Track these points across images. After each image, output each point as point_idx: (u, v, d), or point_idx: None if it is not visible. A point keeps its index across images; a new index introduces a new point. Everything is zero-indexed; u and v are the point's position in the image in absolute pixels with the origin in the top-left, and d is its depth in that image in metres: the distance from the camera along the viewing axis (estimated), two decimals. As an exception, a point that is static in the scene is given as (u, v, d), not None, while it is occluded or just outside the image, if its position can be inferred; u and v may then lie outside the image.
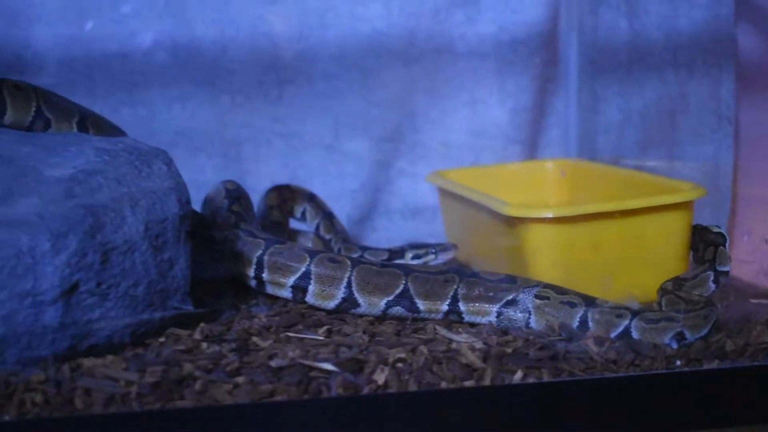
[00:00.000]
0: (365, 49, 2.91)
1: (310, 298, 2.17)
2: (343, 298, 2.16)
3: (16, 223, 1.85)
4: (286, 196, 2.68)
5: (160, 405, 1.78)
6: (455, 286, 2.13)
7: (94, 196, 1.95)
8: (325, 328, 2.12)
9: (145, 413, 1.77)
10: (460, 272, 2.16)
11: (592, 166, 2.76)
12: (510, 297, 2.11)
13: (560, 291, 2.10)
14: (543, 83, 2.96)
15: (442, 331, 2.09)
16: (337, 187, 2.95)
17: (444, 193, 2.67)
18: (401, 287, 2.13)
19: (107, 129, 2.31)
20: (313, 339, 2.04)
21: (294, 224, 2.74)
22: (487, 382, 1.87)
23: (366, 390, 1.85)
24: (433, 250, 2.49)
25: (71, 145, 2.09)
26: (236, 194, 2.42)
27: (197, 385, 1.82)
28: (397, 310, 2.14)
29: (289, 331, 2.08)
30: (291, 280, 2.19)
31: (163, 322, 2.00)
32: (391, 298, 2.14)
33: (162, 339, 2.00)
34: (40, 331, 1.84)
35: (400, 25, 2.89)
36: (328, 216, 2.71)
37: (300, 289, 2.17)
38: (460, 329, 2.13)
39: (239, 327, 2.08)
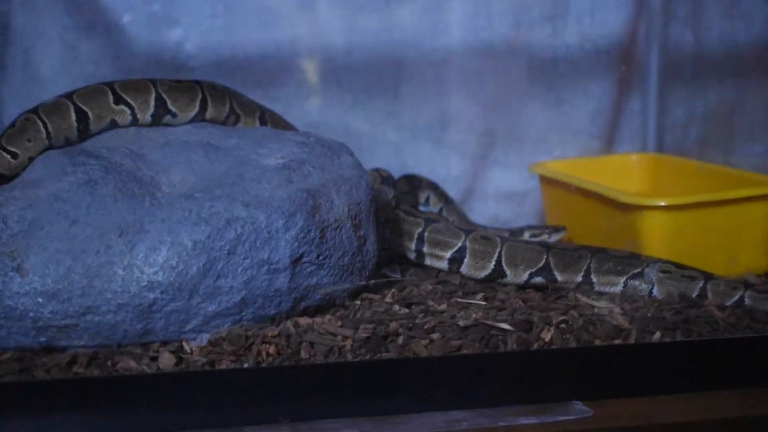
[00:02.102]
0: (470, 56, 3.06)
1: (464, 269, 2.35)
2: (492, 269, 2.33)
3: (254, 204, 2.00)
4: (414, 183, 2.84)
5: (370, 356, 1.93)
6: (588, 261, 2.31)
7: (307, 182, 2.09)
8: (481, 295, 2.28)
9: (359, 363, 1.91)
10: (591, 249, 2.31)
11: (671, 159, 2.94)
12: (636, 270, 2.29)
13: (679, 266, 2.29)
14: (621, 87, 3.13)
15: (583, 299, 2.26)
16: (441, 173, 3.07)
17: (547, 180, 2.82)
18: (543, 261, 2.31)
19: (281, 123, 2.47)
20: (477, 303, 2.20)
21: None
22: (632, 340, 2.04)
23: (535, 346, 2.00)
24: (548, 231, 2.68)
25: (270, 138, 2.23)
26: (391, 180, 2.57)
27: (400, 340, 1.98)
28: (538, 280, 2.32)
29: (454, 297, 2.25)
30: (449, 254, 2.37)
31: (359, 288, 2.16)
32: (534, 270, 2.32)
33: (358, 302, 2.15)
34: (272, 294, 2.00)
35: (500, 35, 3.03)
36: (449, 202, 2.87)
37: (456, 261, 2.36)
38: (594, 297, 2.28)
39: (416, 293, 2.24)
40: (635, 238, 2.44)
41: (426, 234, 2.36)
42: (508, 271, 2.32)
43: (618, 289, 2.30)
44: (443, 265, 2.35)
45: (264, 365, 1.86)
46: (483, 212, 3.15)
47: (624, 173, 2.94)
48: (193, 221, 1.80)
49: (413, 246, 2.35)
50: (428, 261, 2.37)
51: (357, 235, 2.13)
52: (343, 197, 2.11)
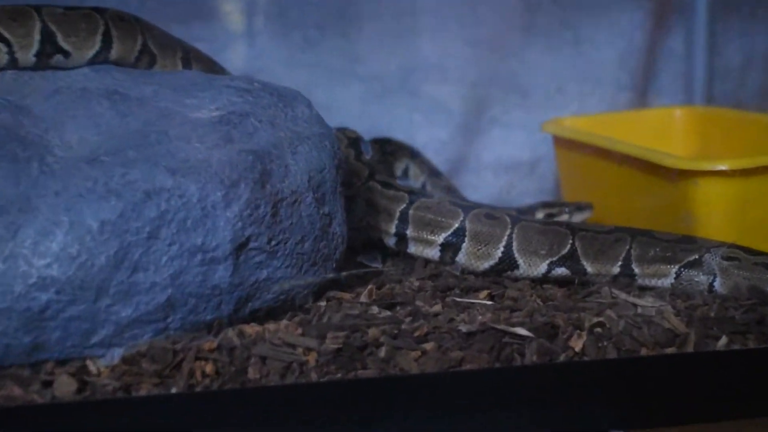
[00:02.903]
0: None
1: (461, 258, 2.35)
2: (500, 259, 2.33)
3: (182, 170, 1.97)
4: (386, 150, 2.83)
5: (341, 375, 1.91)
6: (627, 246, 2.31)
7: (253, 140, 2.07)
8: (485, 292, 2.27)
9: (326, 384, 1.89)
10: (631, 231, 2.32)
11: (724, 113, 2.96)
12: (692, 258, 2.30)
13: (749, 251, 2.28)
14: (658, 20, 3.14)
15: (622, 295, 2.25)
16: (421, 138, 3.10)
17: (563, 143, 2.84)
18: (567, 247, 2.31)
19: (212, 66, 2.43)
20: (482, 303, 2.19)
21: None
22: (690, 348, 2.04)
23: (563, 357, 1.99)
24: (567, 209, 2.67)
25: (199, 84, 2.21)
26: (361, 144, 2.56)
27: (382, 352, 1.96)
28: (561, 271, 2.32)
29: (449, 295, 2.24)
30: (442, 238, 2.36)
31: (325, 283, 2.14)
32: (555, 258, 2.31)
33: (324, 302, 2.14)
34: (209, 292, 1.97)
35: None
36: (434, 174, 2.88)
37: (451, 247, 2.35)
38: (636, 292, 2.29)
39: (400, 291, 2.23)
40: (688, 215, 2.45)
41: (411, 212, 2.36)
42: (520, 261, 2.32)
43: (668, 282, 2.31)
44: (433, 253, 2.35)
45: (199, 389, 1.85)
46: (478, 188, 3.17)
47: (664, 132, 2.98)
48: (100, 195, 1.79)
49: (393, 228, 2.36)
50: (413, 248, 2.37)
51: (321, 213, 2.12)
52: (302, 162, 2.11)
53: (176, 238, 1.93)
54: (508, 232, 2.30)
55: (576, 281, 2.31)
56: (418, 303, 2.15)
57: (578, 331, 2.03)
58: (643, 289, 2.32)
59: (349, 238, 2.26)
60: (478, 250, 2.30)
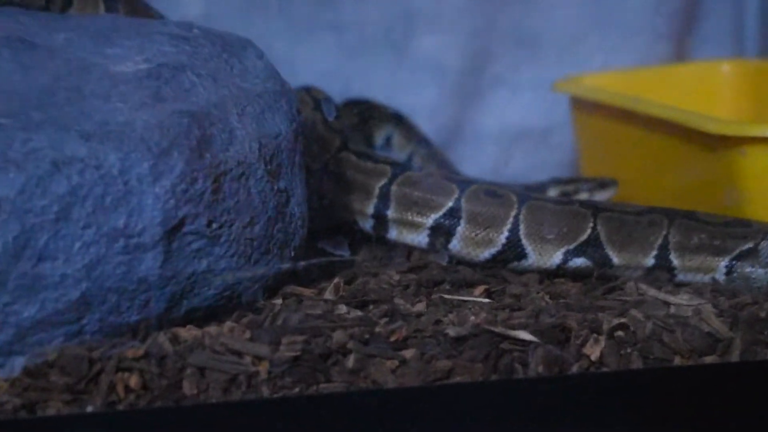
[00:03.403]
0: None
1: (455, 245, 2.31)
2: (504, 246, 2.29)
3: (99, 136, 1.93)
4: (365, 116, 2.80)
5: (299, 390, 1.89)
6: (664, 232, 2.27)
7: (189, 100, 2.04)
8: (481, 287, 2.24)
9: (281, 401, 1.87)
10: (669, 212, 2.28)
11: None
12: (746, 246, 2.26)
13: (825, 238, 2.20)
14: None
15: (651, 291, 2.21)
16: (408, 101, 3.07)
17: (582, 106, 2.80)
18: (588, 232, 2.28)
19: (141, 9, 2.40)
20: (476, 301, 2.16)
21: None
22: (735, 357, 2.01)
23: (575, 368, 1.96)
24: (587, 186, 2.63)
25: (124, 30, 2.17)
26: (329, 105, 2.52)
27: (350, 362, 1.93)
28: (580, 262, 2.28)
29: (436, 292, 2.20)
30: (431, 220, 2.32)
31: (280, 276, 2.11)
32: (572, 246, 2.28)
33: (279, 300, 2.11)
34: (133, 287, 1.94)
35: None
36: (423, 144, 2.86)
37: (442, 231, 2.31)
38: (667, 288, 2.25)
39: (374, 286, 2.20)
40: (733, 192, 2.43)
41: (394, 188, 2.34)
42: (529, 249, 2.28)
43: (718, 276, 2.29)
44: (420, 239, 2.33)
45: (121, 407, 1.82)
46: (477, 162, 3.15)
47: (707, 91, 2.95)
48: None
49: (371, 208, 2.33)
50: (394, 233, 2.34)
51: (275, 189, 2.09)
52: (251, 126, 2.08)
53: (92, 220, 1.91)
54: (513, 212, 2.28)
55: (595, 274, 2.27)
56: (397, 301, 2.13)
57: (595, 335, 2.00)
58: (678, 285, 2.30)
59: (312, 221, 2.23)
60: (477, 235, 2.28)
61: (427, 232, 2.25)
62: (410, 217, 2.24)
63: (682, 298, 2.17)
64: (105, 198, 1.91)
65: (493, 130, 3.00)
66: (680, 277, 2.20)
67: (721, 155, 2.33)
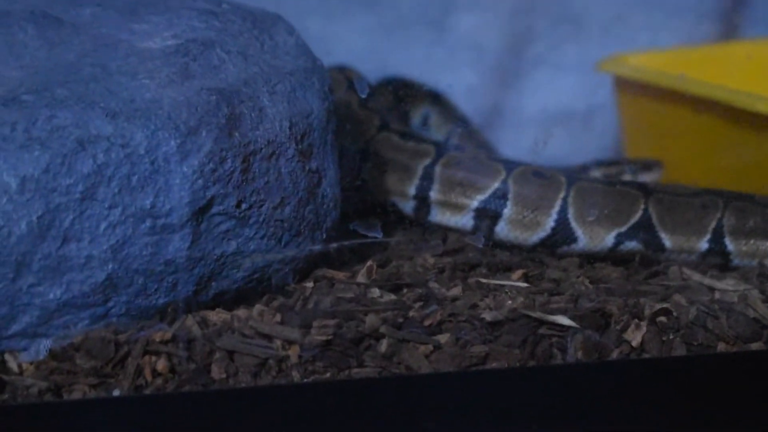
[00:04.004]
0: None
1: (502, 228, 2.32)
2: (553, 229, 2.29)
3: (125, 114, 1.94)
4: (400, 94, 2.81)
5: (331, 374, 1.90)
6: (718, 214, 2.27)
7: (219, 77, 2.05)
8: (519, 272, 2.24)
9: (312, 386, 1.88)
10: (724, 194, 2.28)
11: None
12: None
13: None
14: None
15: (695, 275, 2.22)
16: (446, 81, 3.04)
17: (627, 87, 2.81)
18: (639, 214, 2.28)
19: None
20: (514, 285, 2.16)
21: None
22: (781, 343, 1.96)
23: (616, 354, 1.97)
24: (630, 169, 2.63)
25: (151, 5, 2.18)
26: (365, 85, 2.53)
27: (383, 346, 1.95)
28: (631, 246, 2.29)
29: (473, 276, 2.21)
30: (476, 202, 2.33)
31: (312, 258, 2.12)
32: (624, 229, 2.28)
33: (310, 283, 2.12)
34: (160, 269, 1.95)
35: None
36: (462, 124, 2.86)
37: (488, 214, 2.32)
38: (712, 274, 2.26)
39: (408, 269, 2.21)
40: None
41: (438, 169, 2.33)
42: (579, 232, 2.29)
43: None
44: (465, 221, 2.34)
45: (148, 391, 1.84)
46: (516, 145, 3.12)
47: (757, 70, 2.93)
48: (19, 143, 1.80)
49: (412, 189, 2.35)
50: (436, 215, 2.35)
51: (306, 170, 2.10)
52: (282, 104, 2.09)
53: (118, 200, 1.92)
54: (562, 194, 2.28)
55: (636, 259, 2.27)
56: (432, 285, 2.13)
57: (636, 320, 2.01)
58: (725, 269, 2.30)
59: (347, 203, 2.24)
60: (525, 218, 2.29)
61: (471, 214, 2.26)
62: (454, 199, 2.26)
63: (727, 284, 2.17)
64: (131, 177, 1.92)
65: (534, 111, 2.99)
66: (736, 261, 2.20)
67: (771, 136, 2.25)
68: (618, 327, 1.98)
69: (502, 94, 2.94)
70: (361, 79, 2.46)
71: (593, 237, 2.20)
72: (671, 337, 1.98)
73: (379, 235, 2.17)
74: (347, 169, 2.25)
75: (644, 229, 2.19)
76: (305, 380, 1.86)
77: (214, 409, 1.79)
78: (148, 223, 1.93)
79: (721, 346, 1.97)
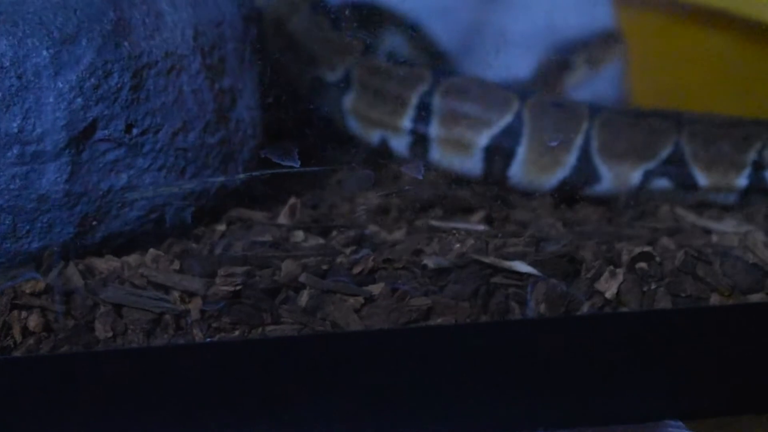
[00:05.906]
0: None
1: (516, 171, 2.24)
2: (575, 168, 2.23)
3: (-13, 18, 1.83)
4: (369, 19, 2.69)
5: (239, 333, 1.85)
6: (761, 144, 2.20)
7: (107, -24, 1.92)
8: (482, 212, 2.18)
9: (217, 346, 1.83)
10: (762, 123, 2.21)
11: None
12: None
13: None
14: None
15: (690, 217, 2.16)
16: (419, 1, 2.96)
17: (631, 3, 2.77)
18: (670, 147, 2.22)
19: None
20: (470, 229, 2.10)
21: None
22: (782, 294, 1.90)
23: (586, 307, 1.91)
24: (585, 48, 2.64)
25: None
26: (326, 6, 2.47)
27: (303, 299, 1.88)
28: (662, 184, 2.22)
29: (425, 218, 2.15)
30: (485, 138, 2.25)
31: (222, 196, 2.05)
32: (653, 165, 2.22)
33: (222, 226, 2.06)
34: (32, 206, 1.89)
35: None
36: (436, 56, 2.79)
37: (500, 152, 2.24)
38: (711, 213, 2.23)
39: (345, 209, 2.15)
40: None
41: (436, 98, 2.24)
42: (603, 170, 2.22)
43: None
44: (471, 163, 2.25)
45: (18, 353, 1.80)
46: (498, 72, 3.05)
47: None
48: None
49: (405, 121, 2.25)
50: (437, 154, 2.26)
51: (216, 89, 2.02)
52: (186, 10, 2.01)
53: (-22, 123, 1.79)
54: (584, 127, 2.21)
55: (622, 199, 2.23)
56: (373, 227, 2.07)
57: (612, 267, 1.93)
58: (727, 209, 2.26)
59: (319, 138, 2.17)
60: (542, 157, 2.21)
61: (481, 153, 2.19)
62: (458, 135, 2.19)
63: (728, 225, 2.14)
64: (-6, 95, 1.79)
65: (523, 33, 2.94)
66: None
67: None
68: (589, 275, 1.92)
69: (484, 14, 2.86)
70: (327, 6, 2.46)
71: (619, 174, 2.19)
72: (653, 287, 1.92)
73: (296, 164, 2.08)
74: (324, 101, 2.25)
75: (676, 164, 2.18)
76: (209, 339, 1.82)
77: (98, 375, 1.77)
78: (16, 150, 1.87)
79: (714, 298, 1.92)
